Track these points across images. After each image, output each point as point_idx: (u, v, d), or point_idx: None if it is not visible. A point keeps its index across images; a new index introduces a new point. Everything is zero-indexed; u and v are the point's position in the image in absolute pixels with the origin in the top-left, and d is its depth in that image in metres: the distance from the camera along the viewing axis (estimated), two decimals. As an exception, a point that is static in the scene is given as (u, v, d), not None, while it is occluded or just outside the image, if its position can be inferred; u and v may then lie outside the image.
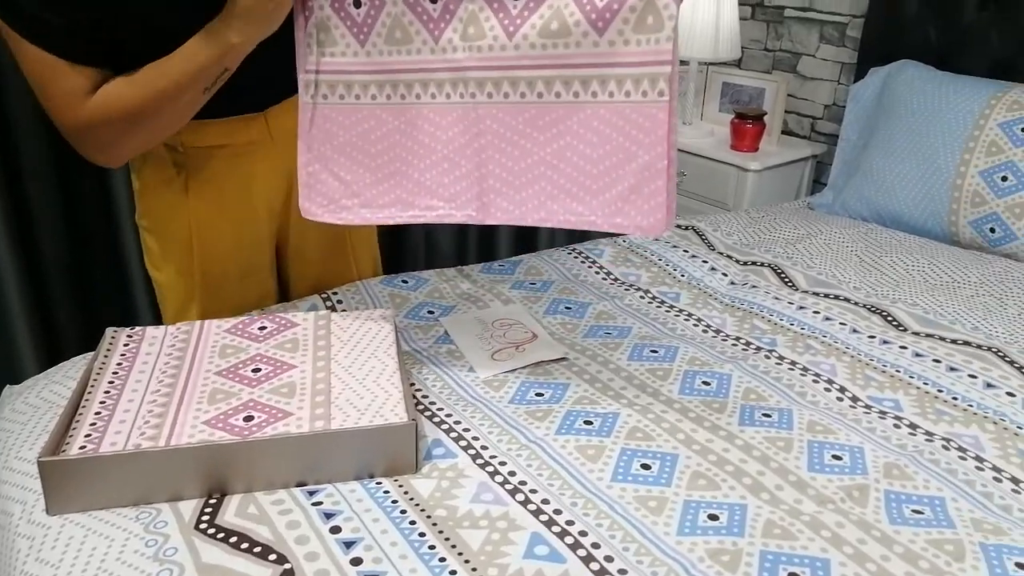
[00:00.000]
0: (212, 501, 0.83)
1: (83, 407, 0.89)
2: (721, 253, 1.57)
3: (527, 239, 2.11)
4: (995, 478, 0.91)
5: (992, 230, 1.58)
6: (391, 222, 1.05)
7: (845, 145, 1.96)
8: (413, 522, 0.81)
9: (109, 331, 1.03)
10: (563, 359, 1.14)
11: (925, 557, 0.78)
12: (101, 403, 0.89)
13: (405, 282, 1.37)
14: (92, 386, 0.92)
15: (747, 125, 2.10)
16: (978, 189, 1.59)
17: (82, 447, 0.82)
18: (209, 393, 0.92)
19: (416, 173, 1.02)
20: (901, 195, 1.71)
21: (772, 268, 1.50)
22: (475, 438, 0.95)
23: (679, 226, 1.70)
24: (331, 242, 1.32)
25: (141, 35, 0.94)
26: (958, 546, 0.80)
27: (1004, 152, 1.57)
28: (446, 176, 1.01)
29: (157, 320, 1.26)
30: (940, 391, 1.09)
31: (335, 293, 1.29)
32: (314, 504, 0.83)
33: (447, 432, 0.96)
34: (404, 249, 1.95)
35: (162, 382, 0.94)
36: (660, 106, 0.89)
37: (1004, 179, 1.56)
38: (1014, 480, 0.91)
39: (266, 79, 1.04)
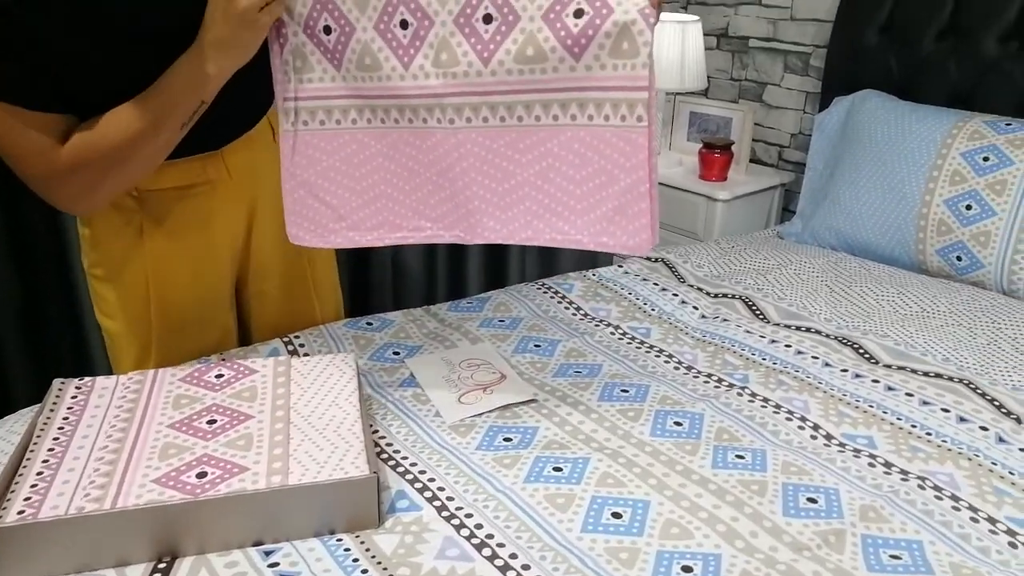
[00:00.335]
0: (161, 565, 0.79)
1: (24, 466, 0.84)
2: (691, 286, 1.56)
3: (497, 273, 2.09)
4: (972, 518, 0.89)
5: (959, 258, 1.59)
6: (380, 243, 1.05)
7: (812, 174, 1.97)
8: (367, 571, 0.77)
9: (56, 382, 0.99)
10: (532, 401, 1.11)
11: (904, 606, 0.76)
12: (44, 462, 0.85)
13: (370, 324, 1.33)
14: (36, 443, 0.88)
15: (715, 155, 2.11)
16: (943, 218, 1.60)
17: (20, 512, 0.77)
18: (161, 448, 0.88)
19: (402, 195, 1.01)
20: (868, 224, 1.72)
21: (743, 300, 1.49)
22: (440, 488, 0.91)
23: (648, 258, 1.69)
24: (293, 282, 1.29)
25: (103, 73, 0.91)
26: (937, 593, 0.78)
27: (967, 181, 1.58)
28: (432, 197, 1.00)
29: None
30: (914, 426, 1.07)
31: (297, 337, 1.26)
32: (271, 566, 0.79)
33: (411, 483, 0.92)
34: (370, 287, 1.92)
35: (111, 437, 0.89)
36: (639, 131, 0.89)
37: (968, 208, 1.57)
38: (991, 520, 0.89)
39: (225, 115, 1.01)
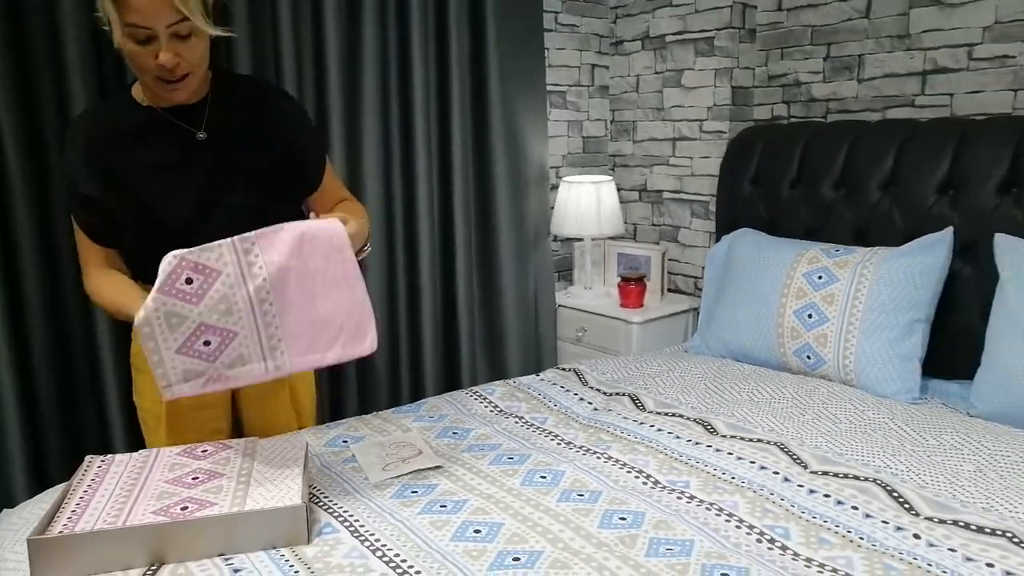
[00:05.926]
0: (153, 567, 1.14)
1: (65, 504, 1.21)
2: (592, 387, 1.94)
3: (451, 379, 2.51)
4: (752, 535, 1.23)
5: (808, 357, 1.96)
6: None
7: (707, 298, 2.38)
8: (297, 570, 1.12)
9: (88, 457, 1.37)
10: (439, 467, 1.47)
11: None
12: (78, 502, 1.22)
13: (328, 425, 1.71)
14: (72, 491, 1.25)
15: (630, 286, 2.54)
16: (794, 325, 1.99)
17: (61, 530, 1.14)
18: (157, 494, 1.25)
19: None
20: (744, 334, 2.11)
21: (630, 396, 1.86)
22: (356, 520, 1.27)
23: (564, 368, 2.08)
24: (272, 392, 1.68)
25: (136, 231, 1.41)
26: None
27: (808, 295, 1.98)
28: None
29: (130, 446, 1.61)
30: (732, 478, 1.42)
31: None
32: (226, 562, 1.14)
33: (336, 517, 1.28)
34: (343, 392, 2.33)
35: (124, 486, 1.27)
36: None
37: (810, 316, 1.96)
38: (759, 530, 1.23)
39: None
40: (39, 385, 1.89)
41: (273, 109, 1.50)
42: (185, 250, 1.22)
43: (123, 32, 1.25)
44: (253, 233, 1.26)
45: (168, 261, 1.21)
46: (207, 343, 1.24)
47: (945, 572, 1.10)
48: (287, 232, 1.27)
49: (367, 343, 1.34)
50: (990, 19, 2.05)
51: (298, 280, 1.28)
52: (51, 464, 1.91)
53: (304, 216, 1.59)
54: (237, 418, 1.69)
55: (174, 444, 1.55)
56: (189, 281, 1.22)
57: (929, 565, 1.12)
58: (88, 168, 1.38)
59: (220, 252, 1.24)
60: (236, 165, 1.44)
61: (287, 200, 1.55)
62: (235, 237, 1.25)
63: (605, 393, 1.90)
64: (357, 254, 1.36)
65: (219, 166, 1.43)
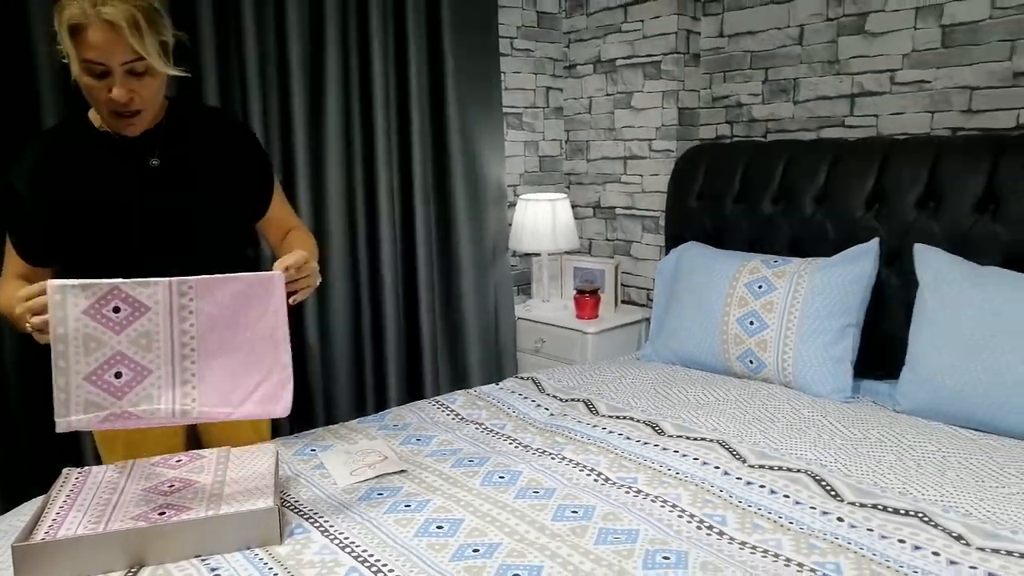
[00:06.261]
0: (132, 571, 1.21)
1: (44, 515, 1.28)
2: (549, 394, 2.04)
3: (415, 389, 2.59)
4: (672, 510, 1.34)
5: (751, 362, 2.09)
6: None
7: (657, 309, 2.51)
8: (271, 567, 1.20)
9: (65, 470, 1.43)
10: (403, 471, 1.56)
11: None
12: (58, 512, 1.28)
13: (295, 436, 1.79)
14: (52, 501, 1.31)
15: (585, 298, 2.66)
16: (737, 332, 2.12)
17: (43, 536, 1.20)
18: (136, 501, 1.32)
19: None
20: (690, 342, 2.24)
21: (584, 402, 1.97)
22: (326, 521, 1.35)
23: (522, 377, 2.18)
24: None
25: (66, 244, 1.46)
26: None
27: (749, 304, 2.12)
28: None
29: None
30: (673, 473, 1.53)
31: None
32: (204, 562, 1.21)
33: (306, 519, 1.36)
34: (309, 406, 2.40)
35: (103, 496, 1.33)
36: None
37: (751, 323, 2.10)
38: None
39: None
40: (9, 393, 1.93)
41: (225, 139, 1.56)
42: (122, 280, 1.26)
43: (80, 67, 1.31)
44: (194, 278, 1.29)
45: (101, 286, 1.25)
46: (118, 375, 1.26)
47: (862, 548, 1.22)
48: (226, 283, 1.31)
49: (281, 406, 1.34)
50: (908, 47, 2.22)
51: (225, 331, 1.31)
52: (23, 477, 1.95)
53: (255, 240, 1.66)
54: (195, 435, 1.75)
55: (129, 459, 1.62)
56: (116, 310, 1.26)
57: (849, 543, 1.24)
58: (38, 190, 1.42)
59: (155, 289, 1.27)
60: (187, 192, 1.49)
61: (235, 227, 1.61)
62: (174, 278, 1.28)
63: (561, 399, 2.00)
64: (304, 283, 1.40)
65: (170, 193, 1.48)
